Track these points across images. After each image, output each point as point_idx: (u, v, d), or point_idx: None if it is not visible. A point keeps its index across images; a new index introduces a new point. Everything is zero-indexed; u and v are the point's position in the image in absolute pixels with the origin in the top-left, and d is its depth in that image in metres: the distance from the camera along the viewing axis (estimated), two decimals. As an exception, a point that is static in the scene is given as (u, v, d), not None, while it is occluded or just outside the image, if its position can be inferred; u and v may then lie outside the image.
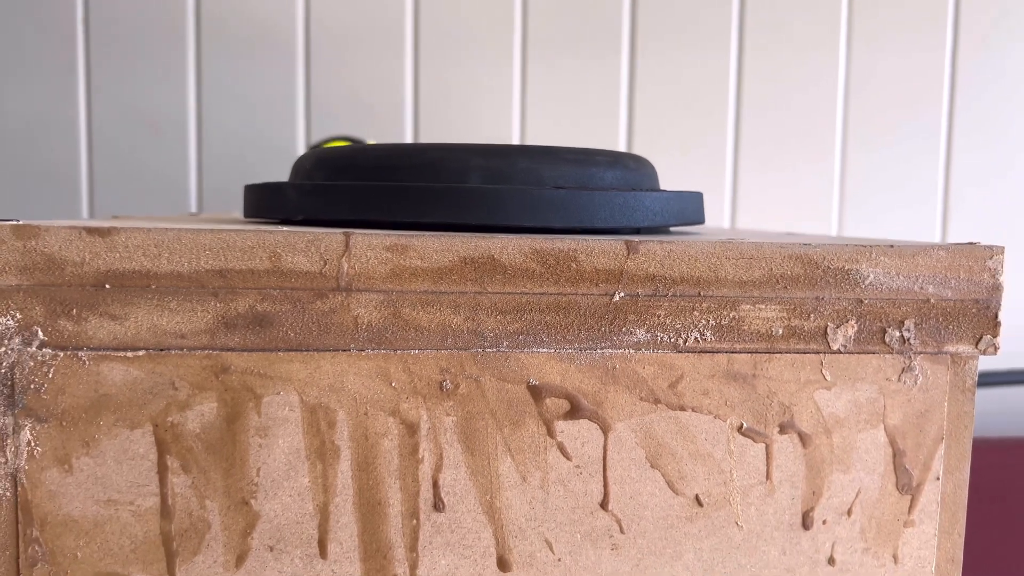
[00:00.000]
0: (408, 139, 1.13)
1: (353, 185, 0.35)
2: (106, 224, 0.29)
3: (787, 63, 1.18)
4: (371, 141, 0.80)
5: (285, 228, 0.31)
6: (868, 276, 0.33)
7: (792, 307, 0.32)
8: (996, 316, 0.33)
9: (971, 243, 0.34)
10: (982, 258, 0.33)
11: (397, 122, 1.13)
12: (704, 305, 0.32)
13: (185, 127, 1.11)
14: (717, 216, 1.16)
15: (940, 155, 1.20)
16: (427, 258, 0.30)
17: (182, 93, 1.10)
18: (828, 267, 0.32)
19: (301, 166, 0.41)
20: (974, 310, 0.33)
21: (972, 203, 1.20)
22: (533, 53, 1.15)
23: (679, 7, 1.17)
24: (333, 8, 1.12)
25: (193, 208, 1.12)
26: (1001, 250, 0.34)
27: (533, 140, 1.15)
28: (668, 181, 1.17)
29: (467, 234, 0.31)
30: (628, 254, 0.31)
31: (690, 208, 0.40)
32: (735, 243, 0.32)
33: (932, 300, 0.33)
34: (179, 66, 1.10)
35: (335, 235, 0.30)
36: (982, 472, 1.05)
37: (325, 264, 0.30)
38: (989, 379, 1.12)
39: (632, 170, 0.40)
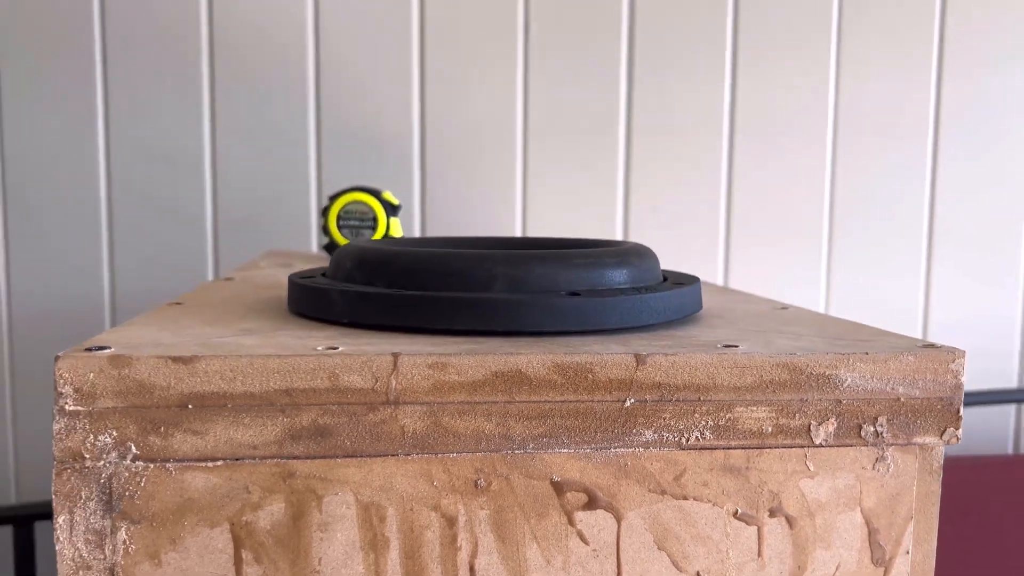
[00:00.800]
0: (415, 178, 1.18)
1: (393, 295, 0.40)
2: (188, 353, 0.34)
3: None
4: (386, 192, 0.84)
5: (338, 350, 0.35)
6: (846, 380, 0.37)
7: (780, 408, 0.37)
8: (958, 411, 0.38)
9: (935, 346, 0.39)
10: (946, 361, 0.38)
11: (405, 158, 1.18)
12: (704, 408, 0.36)
13: (200, 160, 1.15)
14: (711, 273, 1.21)
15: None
16: (463, 373, 0.35)
17: (197, 127, 1.15)
18: (811, 373, 0.37)
19: (342, 263, 0.46)
20: (939, 406, 0.38)
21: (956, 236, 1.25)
22: (533, 90, 1.19)
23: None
24: (343, 46, 1.16)
25: (209, 240, 1.16)
26: (962, 354, 0.38)
27: (537, 183, 1.20)
28: (672, 246, 1.21)
29: (497, 351, 0.36)
30: (637, 366, 0.36)
31: (689, 302, 0.45)
32: (730, 354, 0.37)
33: (902, 399, 0.38)
34: (195, 101, 1.14)
35: (385, 357, 0.35)
36: (963, 487, 1.10)
37: (376, 381, 0.34)
38: (972, 399, 1.17)
39: (636, 266, 0.45)
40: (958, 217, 1.26)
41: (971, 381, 1.25)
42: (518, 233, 1.21)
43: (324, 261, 0.83)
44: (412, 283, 0.42)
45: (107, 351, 0.33)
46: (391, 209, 0.84)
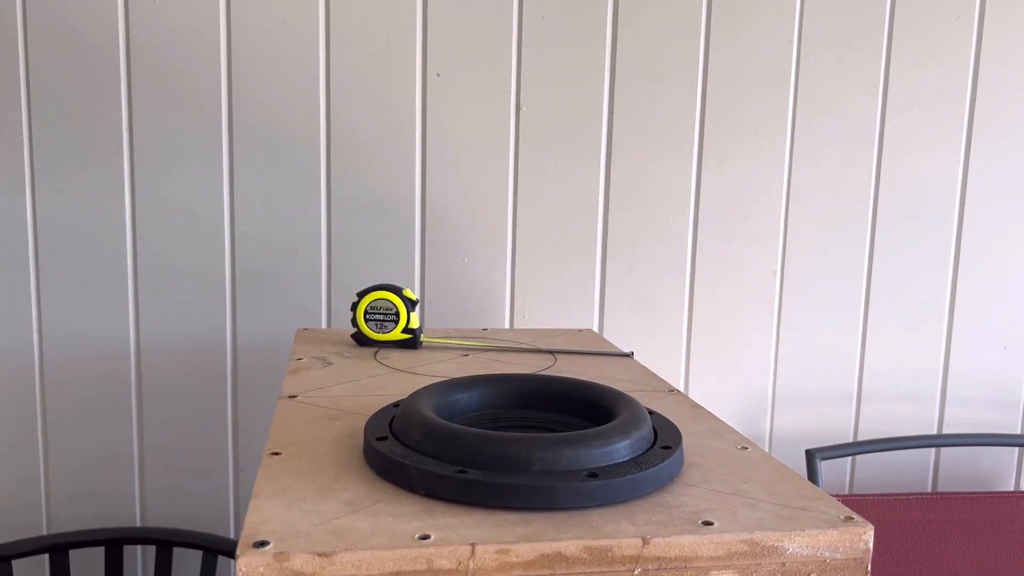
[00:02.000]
0: (416, 229, 1.30)
1: (460, 479, 0.54)
2: (329, 549, 0.47)
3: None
4: (407, 290, 0.97)
5: (431, 539, 0.49)
6: (788, 549, 0.52)
7: (742, 570, 0.52)
8: (867, 567, 0.53)
9: (852, 519, 0.54)
10: (858, 533, 0.53)
11: (408, 217, 1.30)
12: (689, 572, 0.51)
13: (220, 219, 1.26)
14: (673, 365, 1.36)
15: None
16: (521, 555, 0.49)
17: (217, 190, 1.26)
18: (765, 545, 0.52)
19: (410, 431, 0.59)
20: (853, 564, 0.53)
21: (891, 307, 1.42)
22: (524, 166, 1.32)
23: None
24: (352, 118, 1.28)
25: (228, 291, 1.28)
26: (871, 528, 0.54)
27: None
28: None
29: (544, 536, 0.50)
30: (643, 545, 0.51)
31: (675, 467, 0.59)
32: (708, 532, 0.52)
33: (827, 560, 0.53)
34: (216, 165, 1.25)
35: (465, 546, 0.49)
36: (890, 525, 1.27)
37: (459, 563, 0.48)
38: (956, 440, 1.34)
39: (636, 436, 0.59)
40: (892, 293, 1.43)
41: (898, 426, 1.44)
42: (508, 292, 1.34)
43: (347, 345, 0.95)
44: (472, 462, 0.56)
45: (269, 547, 0.47)
46: (410, 304, 0.97)
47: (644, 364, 1.37)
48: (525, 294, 1.34)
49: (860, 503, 1.28)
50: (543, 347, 1.01)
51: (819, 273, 1.40)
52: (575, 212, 1.34)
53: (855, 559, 0.53)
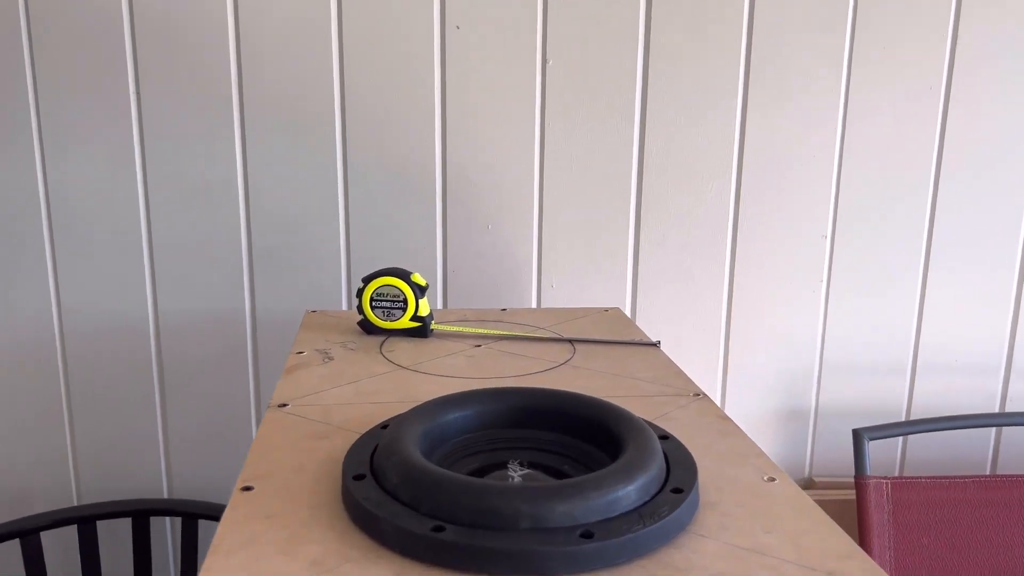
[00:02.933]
0: (437, 196, 1.23)
1: (437, 542, 0.48)
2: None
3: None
4: (415, 275, 0.90)
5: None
6: (811, 627, 0.45)
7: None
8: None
9: (890, 592, 0.47)
10: (896, 608, 0.46)
11: (428, 184, 1.22)
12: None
13: (234, 191, 1.21)
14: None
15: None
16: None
17: (231, 160, 1.20)
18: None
19: (387, 472, 0.53)
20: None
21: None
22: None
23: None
24: (366, 78, 1.20)
25: (245, 262, 1.23)
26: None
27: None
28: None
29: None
30: (639, 625, 0.44)
31: (685, 516, 0.52)
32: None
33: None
34: (227, 137, 1.19)
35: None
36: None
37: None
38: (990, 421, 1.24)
39: (641, 480, 0.52)
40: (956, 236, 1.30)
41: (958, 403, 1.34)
42: (535, 247, 1.27)
43: (353, 333, 0.89)
44: (451, 516, 0.49)
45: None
46: (419, 290, 0.91)
47: (682, 336, 1.29)
48: (553, 263, 1.27)
49: (910, 485, 1.20)
50: (562, 335, 0.94)
51: (874, 237, 1.29)
52: (606, 174, 1.25)
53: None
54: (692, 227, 1.27)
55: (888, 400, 1.33)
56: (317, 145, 1.20)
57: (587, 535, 0.49)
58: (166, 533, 1.33)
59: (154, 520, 1.30)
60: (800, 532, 0.53)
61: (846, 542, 0.52)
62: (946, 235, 1.29)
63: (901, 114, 1.25)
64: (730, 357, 1.31)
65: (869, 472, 1.20)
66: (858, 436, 1.21)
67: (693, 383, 0.79)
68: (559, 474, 0.61)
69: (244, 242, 1.23)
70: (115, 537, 1.29)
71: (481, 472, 0.60)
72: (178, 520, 1.31)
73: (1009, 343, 1.33)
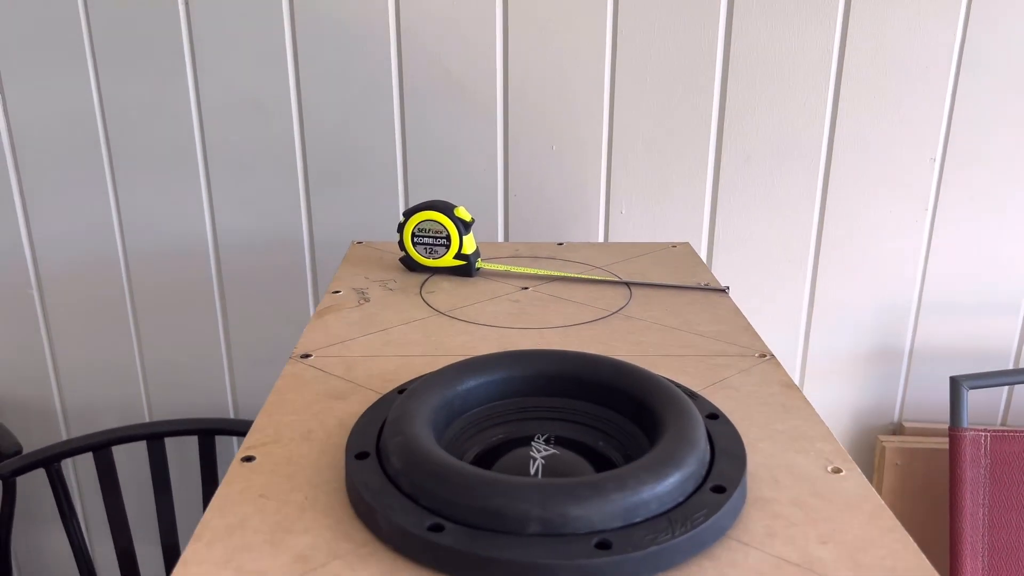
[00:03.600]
0: (499, 114, 1.14)
1: (434, 544, 0.42)
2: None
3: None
4: (459, 209, 0.83)
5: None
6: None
7: None
8: None
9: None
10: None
11: (489, 100, 1.14)
12: None
13: (288, 109, 1.15)
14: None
15: None
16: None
17: (283, 77, 1.14)
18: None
19: (391, 454, 0.48)
20: None
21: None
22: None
23: None
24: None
25: (300, 180, 1.18)
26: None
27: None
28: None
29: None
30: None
31: (722, 523, 0.45)
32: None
33: None
34: (279, 51, 1.12)
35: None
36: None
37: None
38: None
39: (675, 481, 0.45)
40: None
41: None
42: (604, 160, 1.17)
43: (396, 270, 0.84)
44: (452, 514, 0.44)
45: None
46: (463, 226, 0.84)
47: (766, 268, 1.19)
48: (623, 188, 1.17)
49: (1012, 438, 1.09)
50: (619, 276, 0.86)
51: (991, 162, 1.13)
52: (684, 85, 1.12)
53: None
54: (780, 146, 1.14)
55: (995, 344, 1.20)
56: (371, 61, 1.12)
57: (604, 545, 0.42)
58: (233, 451, 1.35)
59: (220, 439, 1.32)
60: (862, 545, 0.45)
61: (916, 560, 0.44)
62: (1080, 158, 1.13)
63: (1036, 16, 1.07)
64: (817, 291, 1.20)
65: (967, 424, 1.09)
66: (956, 384, 1.09)
67: (760, 340, 0.71)
68: (591, 453, 0.54)
69: (300, 162, 1.18)
70: (183, 454, 1.32)
71: (503, 447, 0.54)
72: (242, 440, 1.32)
73: None
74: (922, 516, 1.20)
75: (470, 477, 0.45)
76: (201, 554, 0.44)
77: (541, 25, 1.10)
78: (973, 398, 1.20)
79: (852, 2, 1.08)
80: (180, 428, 1.27)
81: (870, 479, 1.28)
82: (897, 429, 1.25)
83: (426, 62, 1.12)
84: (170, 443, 1.30)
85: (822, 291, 1.20)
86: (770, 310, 1.21)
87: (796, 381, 1.25)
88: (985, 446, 1.09)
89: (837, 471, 0.52)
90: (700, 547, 0.44)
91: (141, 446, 1.33)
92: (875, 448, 1.24)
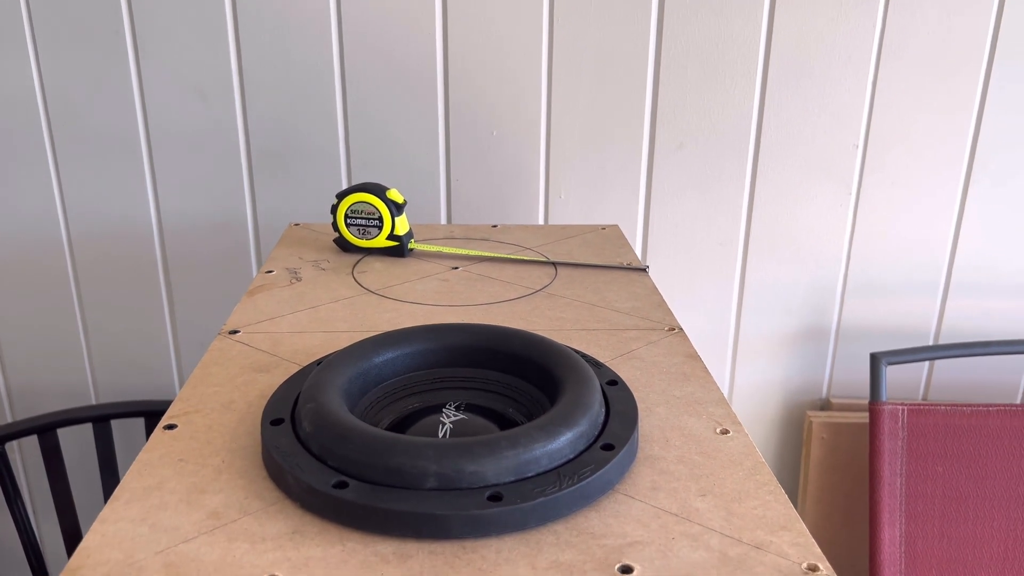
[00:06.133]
0: (439, 98, 1.16)
1: (336, 499, 0.45)
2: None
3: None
4: (391, 191, 0.86)
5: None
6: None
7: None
8: (829, 630, 0.43)
9: (816, 570, 0.43)
10: (821, 592, 0.42)
11: (430, 85, 1.16)
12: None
13: (230, 92, 1.16)
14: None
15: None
16: (382, 608, 0.41)
17: (224, 59, 1.15)
18: (693, 603, 0.42)
19: (302, 419, 0.51)
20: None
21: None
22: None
23: None
24: None
25: (244, 163, 1.20)
26: (838, 585, 0.42)
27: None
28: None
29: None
30: (534, 600, 0.41)
31: (614, 474, 0.49)
32: (620, 587, 0.42)
33: (777, 620, 0.43)
34: (220, 34, 1.14)
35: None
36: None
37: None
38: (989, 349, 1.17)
39: (566, 439, 0.48)
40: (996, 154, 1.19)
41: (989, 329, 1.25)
42: (542, 155, 1.20)
43: (331, 251, 0.86)
44: (356, 472, 0.47)
45: (87, 591, 0.41)
46: (395, 208, 0.86)
47: (699, 250, 1.23)
48: (562, 173, 1.20)
49: (928, 412, 1.14)
50: (547, 256, 0.89)
51: (910, 147, 1.19)
52: (619, 74, 1.16)
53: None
54: (711, 132, 1.18)
55: (916, 323, 1.26)
56: (313, 46, 1.14)
57: (495, 497, 0.46)
58: (180, 433, 1.36)
59: (166, 421, 1.33)
60: (738, 496, 0.49)
61: (785, 511, 0.48)
62: (990, 146, 1.18)
63: (949, 8, 1.12)
64: (748, 272, 1.25)
65: (885, 398, 1.14)
66: (875, 360, 1.14)
67: (672, 316, 0.74)
68: (500, 417, 0.58)
69: (243, 145, 1.19)
70: (130, 435, 1.33)
71: (415, 416, 0.58)
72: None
73: (1055, 264, 1.24)
74: (848, 487, 1.26)
75: (373, 438, 0.48)
76: (119, 512, 0.47)
77: (480, 12, 1.13)
78: (897, 375, 1.26)
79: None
80: (126, 410, 1.28)
81: (798, 453, 1.34)
82: (825, 405, 1.31)
83: (367, 48, 1.14)
84: (116, 425, 1.31)
85: (752, 273, 1.24)
86: (702, 292, 1.25)
87: (728, 361, 1.29)
88: (903, 419, 1.14)
89: (725, 432, 0.56)
90: (587, 500, 0.48)
91: (87, 428, 1.34)
92: (804, 423, 1.30)
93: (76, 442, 1.33)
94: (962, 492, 1.15)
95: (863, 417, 1.25)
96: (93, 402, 1.36)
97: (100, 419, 1.27)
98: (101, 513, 0.47)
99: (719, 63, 1.15)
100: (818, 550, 0.45)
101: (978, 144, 1.18)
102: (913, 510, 1.14)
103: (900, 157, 1.19)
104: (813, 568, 0.44)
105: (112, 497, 0.48)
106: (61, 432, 1.29)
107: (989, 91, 1.16)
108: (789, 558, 0.44)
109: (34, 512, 1.40)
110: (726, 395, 1.31)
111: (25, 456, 1.37)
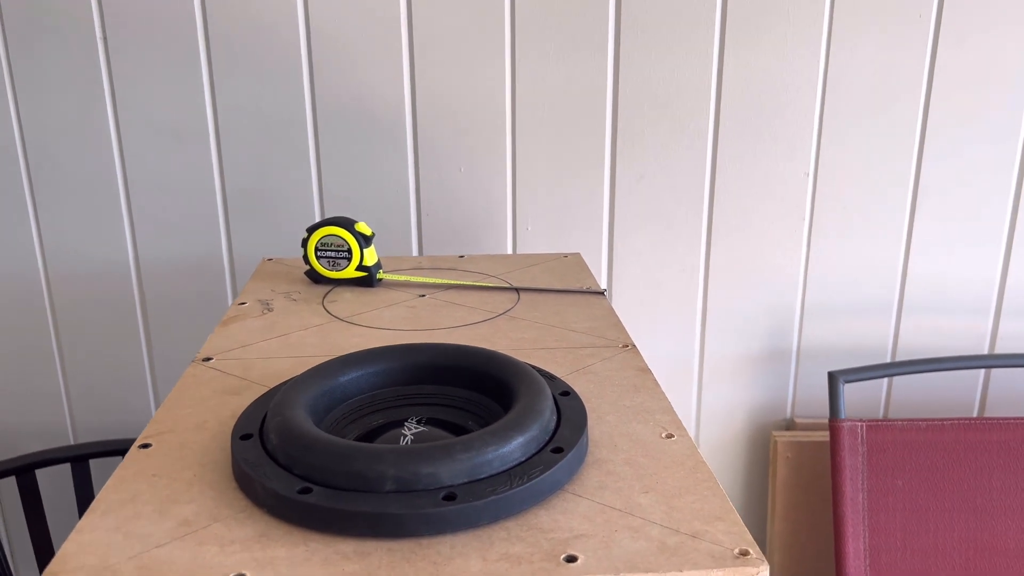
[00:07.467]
0: (408, 139, 1.21)
1: (301, 504, 0.48)
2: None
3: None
4: (360, 224, 0.90)
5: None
6: (663, 591, 0.45)
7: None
8: (761, 610, 0.46)
9: (746, 556, 0.46)
10: (751, 574, 0.46)
11: (399, 125, 1.21)
12: (542, 616, 0.45)
13: (205, 137, 1.20)
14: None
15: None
16: (343, 601, 0.44)
17: (200, 106, 1.19)
18: (633, 587, 0.45)
19: (270, 432, 0.54)
20: (744, 606, 0.46)
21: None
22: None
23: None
24: (331, 16, 1.17)
25: (220, 206, 1.24)
26: (766, 567, 0.46)
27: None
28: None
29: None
30: (485, 589, 0.45)
31: (559, 478, 0.52)
32: (568, 573, 0.45)
33: (712, 602, 0.46)
34: (195, 80, 1.18)
35: (278, 593, 0.44)
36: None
37: (273, 610, 0.44)
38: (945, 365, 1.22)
39: (516, 443, 0.52)
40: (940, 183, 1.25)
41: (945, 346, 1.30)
42: (509, 189, 1.25)
43: (302, 283, 0.90)
44: (320, 479, 0.50)
45: (64, 592, 0.43)
46: (363, 240, 0.90)
47: (661, 278, 1.28)
48: (528, 206, 1.25)
49: (886, 428, 1.18)
50: (511, 283, 0.93)
51: (859, 173, 1.24)
52: (580, 112, 1.21)
53: (746, 600, 0.46)
54: (670, 166, 1.23)
55: (872, 342, 1.31)
56: (285, 90, 1.19)
57: (450, 497, 0.49)
58: (159, 470, 1.37)
59: (145, 458, 1.34)
60: (678, 492, 0.53)
61: (721, 504, 0.51)
62: (935, 170, 1.24)
63: (888, 44, 1.19)
64: (709, 299, 1.29)
65: (844, 415, 1.18)
66: (833, 379, 1.19)
67: (626, 334, 0.78)
68: (460, 429, 0.61)
69: (218, 187, 1.23)
70: (108, 474, 1.34)
71: (379, 430, 0.61)
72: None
73: (1000, 282, 1.29)
74: (814, 504, 1.29)
75: (336, 445, 0.51)
76: (95, 523, 0.50)
77: (445, 56, 1.18)
78: (857, 394, 1.30)
79: (727, 33, 1.18)
80: (105, 450, 1.29)
81: (765, 473, 1.37)
82: (790, 425, 1.35)
83: (338, 90, 1.19)
84: (95, 464, 1.33)
85: (713, 298, 1.29)
86: (666, 318, 1.30)
87: (694, 384, 1.33)
88: (862, 435, 1.18)
89: (670, 436, 0.60)
90: (537, 498, 0.51)
91: (65, 469, 1.35)
92: (769, 443, 1.33)
93: (55, 482, 1.34)
94: (923, 504, 1.19)
95: (826, 435, 1.28)
96: (71, 442, 1.38)
97: (78, 459, 1.28)
98: (78, 524, 0.49)
99: (674, 101, 1.21)
100: (750, 537, 0.48)
101: (922, 167, 1.24)
102: (876, 523, 1.17)
103: (847, 185, 1.24)
104: (744, 553, 0.47)
105: (88, 509, 0.51)
106: (40, 472, 1.30)
107: (929, 122, 1.22)
108: (722, 544, 0.48)
109: (11, 553, 1.40)
110: (692, 418, 1.35)
111: (4, 497, 1.38)
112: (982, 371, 1.31)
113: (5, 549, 1.41)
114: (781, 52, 1.19)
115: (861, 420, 1.19)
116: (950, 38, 1.19)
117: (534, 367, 0.66)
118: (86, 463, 1.29)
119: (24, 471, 1.24)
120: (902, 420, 1.19)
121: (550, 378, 0.65)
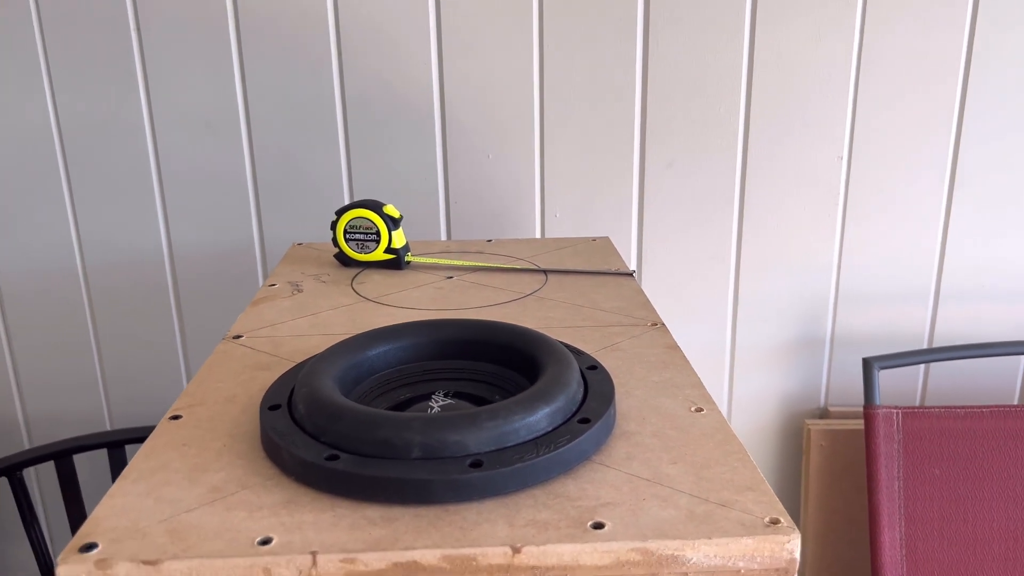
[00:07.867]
0: (436, 137, 1.21)
1: (329, 470, 0.49)
2: (155, 557, 0.44)
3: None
4: (388, 207, 0.90)
5: (272, 544, 0.45)
6: (692, 559, 0.45)
7: (634, 581, 0.45)
8: (792, 580, 0.45)
9: (777, 524, 0.46)
10: (782, 542, 0.45)
11: (427, 113, 1.21)
12: (569, 583, 0.45)
13: (236, 126, 1.22)
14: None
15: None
16: (368, 565, 0.44)
17: (231, 95, 1.20)
18: (662, 555, 0.45)
19: (298, 403, 0.54)
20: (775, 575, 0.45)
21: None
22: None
23: None
24: (360, 3, 1.18)
25: (251, 196, 1.25)
26: (797, 534, 0.45)
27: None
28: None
29: (397, 544, 0.45)
30: (514, 555, 0.44)
31: (586, 448, 0.52)
32: (593, 539, 0.45)
33: (742, 571, 0.45)
34: (226, 69, 1.19)
35: (305, 556, 0.44)
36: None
37: (299, 573, 0.44)
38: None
39: (543, 413, 0.52)
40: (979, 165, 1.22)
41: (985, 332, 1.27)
42: (538, 179, 1.25)
43: (331, 266, 0.90)
44: (347, 447, 0.50)
45: (94, 552, 0.44)
46: (392, 222, 0.90)
47: (692, 264, 1.26)
48: (556, 193, 1.24)
49: (922, 415, 1.16)
50: (538, 266, 0.93)
51: (894, 157, 1.22)
52: (608, 97, 1.21)
53: (777, 570, 0.45)
54: (701, 151, 1.22)
55: (908, 329, 1.28)
56: (315, 78, 1.20)
57: (476, 464, 0.49)
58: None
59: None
60: (707, 464, 0.52)
61: (751, 475, 0.51)
62: (973, 154, 1.22)
63: (925, 23, 1.16)
64: (741, 284, 1.28)
65: (879, 402, 1.16)
66: (868, 365, 1.17)
67: (655, 313, 0.78)
68: (485, 403, 0.61)
69: (249, 174, 1.24)
70: (143, 460, 1.36)
71: (406, 403, 0.61)
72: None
73: (1042, 267, 1.26)
74: (848, 493, 1.27)
75: (363, 414, 0.51)
76: (126, 488, 0.50)
77: (473, 40, 1.18)
78: (893, 382, 1.28)
79: (757, 16, 1.16)
80: (140, 435, 1.31)
81: (798, 462, 1.35)
82: (824, 413, 1.33)
83: (367, 78, 1.20)
84: (131, 450, 1.35)
85: (745, 285, 1.27)
86: (697, 305, 1.28)
87: (726, 372, 1.32)
88: (897, 423, 1.16)
89: (699, 410, 0.59)
90: (563, 467, 0.51)
91: (102, 454, 1.37)
92: (802, 432, 1.32)
93: (91, 467, 1.37)
94: (960, 493, 1.16)
95: (860, 424, 1.26)
96: (108, 428, 1.40)
97: (115, 444, 1.30)
98: (110, 490, 0.50)
99: (704, 82, 1.19)
100: (781, 507, 0.48)
101: (960, 150, 1.21)
102: (912, 513, 1.15)
103: (882, 168, 1.22)
104: (775, 521, 0.46)
105: (120, 476, 0.51)
106: (77, 458, 1.32)
107: (967, 103, 1.19)
108: (753, 513, 0.47)
109: (51, 537, 1.43)
110: (724, 406, 1.33)
111: (42, 482, 1.40)
112: (1022, 358, 1.28)
113: (44, 532, 1.43)
114: (815, 34, 1.17)
115: (897, 407, 1.16)
116: (988, 18, 1.16)
117: (561, 343, 0.66)
118: (122, 448, 1.31)
119: (62, 456, 1.27)
120: (939, 407, 1.16)
121: (578, 353, 0.65)
